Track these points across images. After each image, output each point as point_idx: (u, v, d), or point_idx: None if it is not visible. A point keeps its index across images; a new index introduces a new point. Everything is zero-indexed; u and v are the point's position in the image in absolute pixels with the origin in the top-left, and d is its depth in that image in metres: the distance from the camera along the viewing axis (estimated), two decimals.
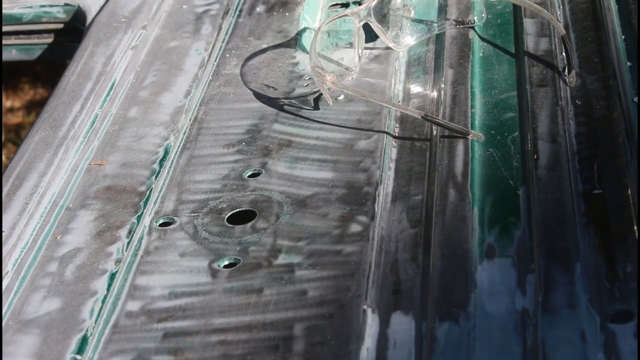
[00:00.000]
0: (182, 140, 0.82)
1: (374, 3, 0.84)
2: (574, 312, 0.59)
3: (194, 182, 0.77)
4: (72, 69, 0.94)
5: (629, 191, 0.67)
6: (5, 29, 1.10)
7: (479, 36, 0.89)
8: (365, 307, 0.62)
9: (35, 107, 2.20)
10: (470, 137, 0.75)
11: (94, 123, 0.85)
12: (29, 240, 0.73)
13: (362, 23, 0.84)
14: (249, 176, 0.76)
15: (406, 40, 0.90)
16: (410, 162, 0.75)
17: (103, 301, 0.66)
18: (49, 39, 1.11)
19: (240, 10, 0.99)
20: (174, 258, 0.70)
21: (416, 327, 0.60)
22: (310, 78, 0.86)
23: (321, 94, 0.83)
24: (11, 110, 2.23)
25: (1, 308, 0.66)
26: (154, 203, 0.75)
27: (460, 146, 0.75)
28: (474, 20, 0.91)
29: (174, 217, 0.73)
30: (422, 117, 0.77)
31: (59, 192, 0.77)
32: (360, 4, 0.94)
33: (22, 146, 0.86)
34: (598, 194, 0.68)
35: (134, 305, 0.66)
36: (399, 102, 0.82)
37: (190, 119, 0.84)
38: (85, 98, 0.88)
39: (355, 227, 0.69)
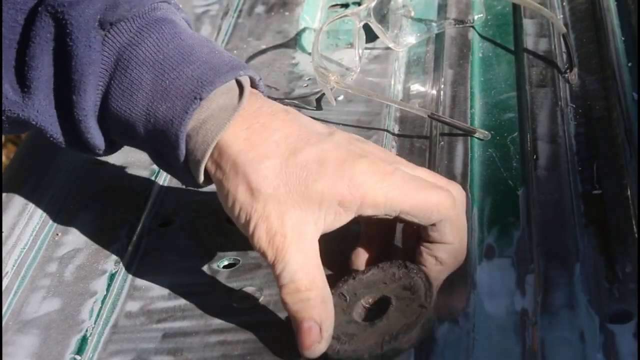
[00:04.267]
0: None
1: (373, 3, 0.84)
2: (573, 313, 0.59)
3: None
4: None
5: (629, 191, 0.67)
6: None
7: (479, 36, 0.89)
8: None
9: None
10: (476, 135, 0.75)
11: None
12: (28, 240, 0.73)
13: (362, 23, 0.84)
14: None
15: (406, 40, 0.90)
16: (410, 162, 0.75)
17: (103, 301, 0.66)
18: None
19: (240, 11, 0.99)
20: (173, 258, 0.70)
21: None
22: (310, 78, 0.86)
23: (322, 94, 0.83)
24: None
25: (1, 308, 0.66)
26: (154, 203, 0.75)
27: (460, 146, 0.75)
28: (474, 20, 0.91)
29: (173, 218, 0.73)
30: (428, 115, 0.77)
31: (59, 192, 0.77)
32: (360, 4, 0.94)
33: (22, 146, 0.86)
34: (597, 194, 0.68)
35: (133, 306, 0.66)
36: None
37: None
38: None
39: (354, 227, 0.69)
